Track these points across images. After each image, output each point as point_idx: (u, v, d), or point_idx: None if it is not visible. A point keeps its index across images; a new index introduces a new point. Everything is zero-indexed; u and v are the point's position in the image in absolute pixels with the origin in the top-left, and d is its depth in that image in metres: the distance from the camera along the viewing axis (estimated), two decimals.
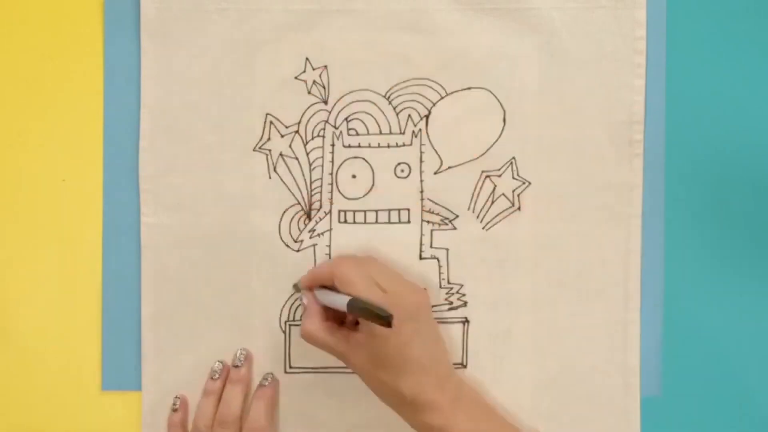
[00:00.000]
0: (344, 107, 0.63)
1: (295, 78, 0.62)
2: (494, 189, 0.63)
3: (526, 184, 0.63)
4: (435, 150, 0.63)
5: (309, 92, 0.63)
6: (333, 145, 0.63)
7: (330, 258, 0.63)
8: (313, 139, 0.63)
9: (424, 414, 0.56)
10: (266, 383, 0.62)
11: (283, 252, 0.63)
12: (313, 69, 0.62)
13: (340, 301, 0.55)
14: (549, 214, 0.63)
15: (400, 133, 0.63)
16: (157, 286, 0.63)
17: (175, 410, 0.62)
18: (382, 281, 0.57)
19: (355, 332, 0.57)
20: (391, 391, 0.56)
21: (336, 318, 0.59)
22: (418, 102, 0.63)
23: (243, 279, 0.63)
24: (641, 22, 0.62)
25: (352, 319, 0.59)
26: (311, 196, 0.63)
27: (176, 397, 0.62)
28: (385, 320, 0.52)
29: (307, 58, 0.62)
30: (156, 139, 0.62)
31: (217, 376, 0.62)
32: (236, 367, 0.62)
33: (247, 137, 0.62)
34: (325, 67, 0.62)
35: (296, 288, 0.62)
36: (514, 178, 0.63)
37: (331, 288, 0.58)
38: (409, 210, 0.63)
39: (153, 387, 0.63)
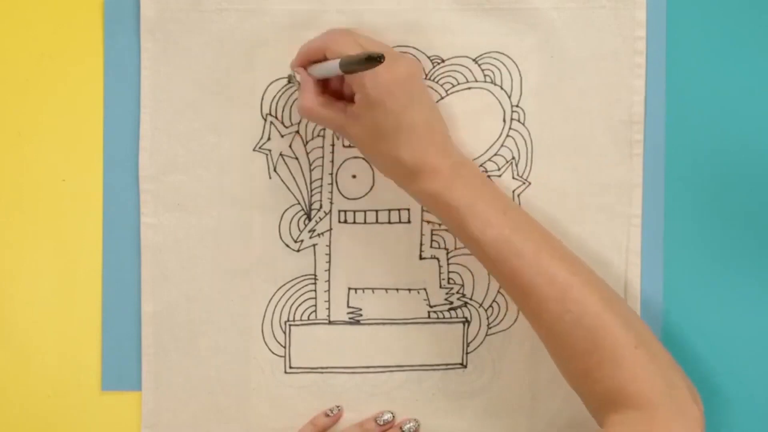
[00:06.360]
0: None
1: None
2: None
3: (526, 184, 0.63)
4: None
5: None
6: (333, 145, 0.63)
7: (330, 258, 0.63)
8: (313, 139, 0.63)
9: (424, 180, 0.56)
10: None
11: (283, 252, 0.63)
12: None
13: (332, 66, 0.54)
14: (549, 214, 0.63)
15: None
16: (157, 286, 0.63)
17: (327, 416, 0.62)
18: (373, 48, 0.56)
19: (352, 105, 0.57)
20: (391, 160, 0.56)
21: (333, 95, 0.58)
22: None
23: (243, 279, 0.63)
24: (641, 22, 0.62)
25: (348, 94, 0.58)
26: (311, 196, 0.63)
27: (337, 406, 0.63)
28: (377, 60, 0.49)
29: None
30: (156, 139, 0.62)
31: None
32: (380, 426, 0.62)
33: (247, 137, 0.62)
34: None
35: (290, 79, 0.61)
36: (514, 178, 0.63)
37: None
38: (409, 210, 0.63)
39: (153, 387, 0.63)
